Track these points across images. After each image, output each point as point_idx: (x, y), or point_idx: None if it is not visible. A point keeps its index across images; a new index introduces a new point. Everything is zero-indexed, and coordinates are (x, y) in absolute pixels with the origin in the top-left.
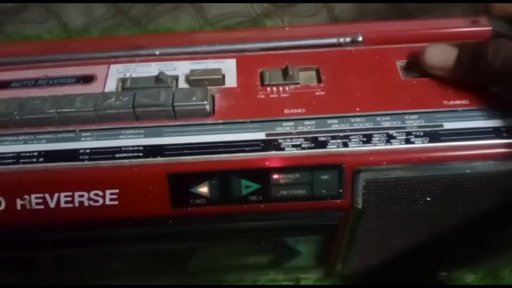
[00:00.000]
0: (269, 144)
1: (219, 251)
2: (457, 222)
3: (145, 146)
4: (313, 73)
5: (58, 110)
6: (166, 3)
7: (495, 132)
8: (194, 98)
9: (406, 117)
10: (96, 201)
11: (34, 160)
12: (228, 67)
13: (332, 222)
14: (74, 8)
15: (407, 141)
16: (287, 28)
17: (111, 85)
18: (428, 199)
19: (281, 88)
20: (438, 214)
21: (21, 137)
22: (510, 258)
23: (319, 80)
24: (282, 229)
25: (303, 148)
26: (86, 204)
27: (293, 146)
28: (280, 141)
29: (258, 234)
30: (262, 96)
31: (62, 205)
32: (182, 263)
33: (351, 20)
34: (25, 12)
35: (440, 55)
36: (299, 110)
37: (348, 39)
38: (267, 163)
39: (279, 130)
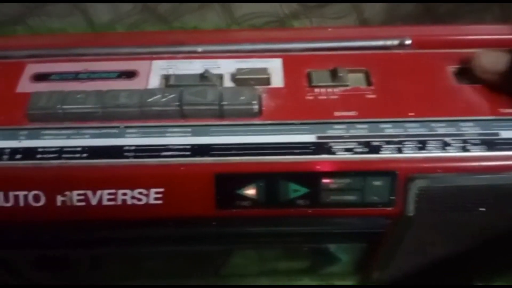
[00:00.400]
0: (320, 147)
1: (256, 253)
2: (506, 232)
3: (192, 145)
4: (361, 75)
5: (102, 105)
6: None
7: None
8: (242, 98)
9: (462, 124)
10: (140, 199)
11: (78, 155)
12: (274, 67)
13: (379, 230)
14: (100, 3)
15: (463, 149)
16: (329, 29)
17: (154, 81)
18: (482, 209)
19: (329, 90)
20: (488, 223)
21: (63, 132)
22: None
23: (369, 83)
24: (326, 235)
25: (356, 153)
26: (129, 202)
27: (345, 150)
28: (331, 144)
29: (301, 239)
30: (311, 97)
31: (104, 202)
32: (215, 265)
33: (381, 23)
34: (50, 5)
35: (494, 60)
36: (350, 113)
37: (396, 42)
38: (318, 167)
39: (330, 133)
